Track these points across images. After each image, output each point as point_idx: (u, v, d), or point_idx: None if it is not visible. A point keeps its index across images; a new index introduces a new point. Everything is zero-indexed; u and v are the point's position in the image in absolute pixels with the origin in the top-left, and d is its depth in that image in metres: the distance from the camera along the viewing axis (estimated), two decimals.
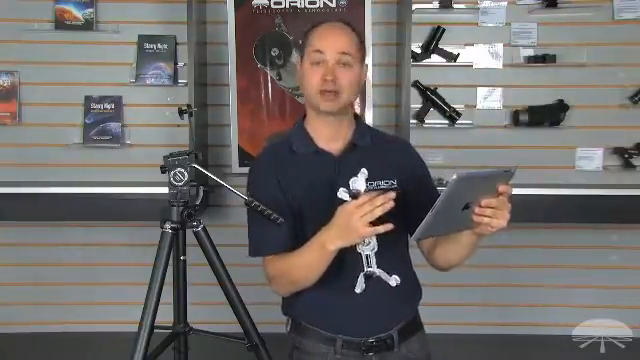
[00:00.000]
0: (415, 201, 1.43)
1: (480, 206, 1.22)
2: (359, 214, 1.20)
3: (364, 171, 1.27)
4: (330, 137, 1.47)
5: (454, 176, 1.13)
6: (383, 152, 1.50)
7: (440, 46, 3.07)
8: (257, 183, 1.51)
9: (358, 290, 1.37)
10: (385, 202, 1.20)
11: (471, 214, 1.23)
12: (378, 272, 1.37)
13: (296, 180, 1.44)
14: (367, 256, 1.33)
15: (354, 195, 1.24)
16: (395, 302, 1.47)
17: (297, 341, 1.50)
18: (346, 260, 1.39)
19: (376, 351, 1.44)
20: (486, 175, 1.21)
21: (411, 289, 1.53)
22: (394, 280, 1.37)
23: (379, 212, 1.20)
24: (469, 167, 2.34)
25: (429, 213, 1.17)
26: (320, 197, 1.39)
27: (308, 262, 1.34)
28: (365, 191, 1.26)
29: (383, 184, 1.43)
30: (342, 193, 1.27)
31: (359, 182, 1.26)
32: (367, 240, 1.34)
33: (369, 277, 1.36)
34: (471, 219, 1.23)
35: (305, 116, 1.52)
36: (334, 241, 1.27)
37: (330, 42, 1.41)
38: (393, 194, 1.21)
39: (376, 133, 1.57)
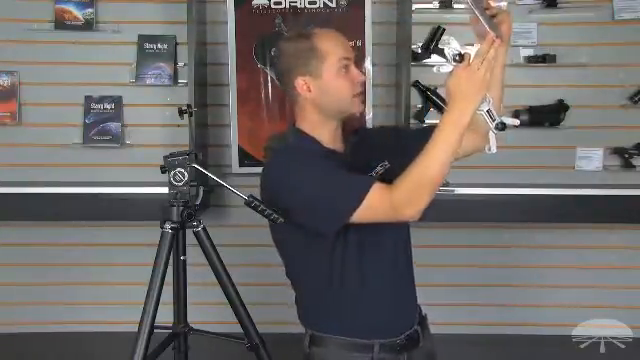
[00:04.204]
0: (412, 146, 1.42)
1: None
2: (476, 68, 1.20)
3: (448, 38, 1.26)
4: (334, 138, 1.49)
5: None
6: (370, 141, 1.56)
7: (440, 46, 3.07)
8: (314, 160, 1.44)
9: (494, 150, 1.28)
10: (489, 44, 1.20)
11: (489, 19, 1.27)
12: (507, 120, 1.25)
13: None
14: (488, 111, 1.23)
15: (459, 58, 1.21)
16: (411, 295, 1.53)
17: (323, 356, 1.46)
18: (374, 260, 1.42)
19: (408, 349, 1.46)
20: None
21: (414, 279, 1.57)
22: (516, 121, 1.29)
23: (493, 54, 1.20)
24: (469, 167, 2.33)
25: (477, 13, 1.21)
26: None
27: (447, 148, 1.25)
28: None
29: (379, 168, 1.49)
30: (446, 67, 1.25)
31: (454, 45, 1.25)
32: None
33: (501, 128, 1.24)
34: (494, 24, 1.27)
35: (294, 124, 1.51)
36: (467, 109, 1.22)
37: (347, 46, 1.45)
38: (490, 37, 1.21)
39: (355, 128, 1.62)
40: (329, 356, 1.45)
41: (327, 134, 1.48)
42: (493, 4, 1.32)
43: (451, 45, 1.26)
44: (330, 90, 1.43)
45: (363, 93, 1.45)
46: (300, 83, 1.44)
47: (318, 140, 1.47)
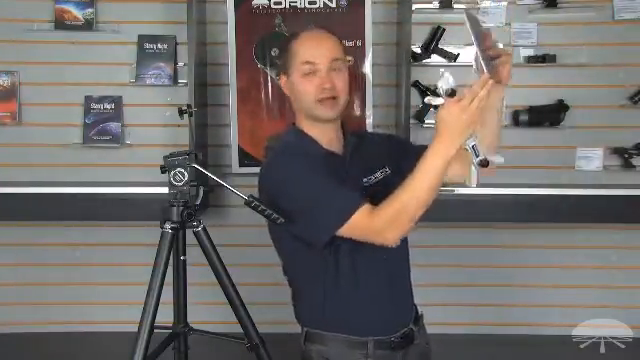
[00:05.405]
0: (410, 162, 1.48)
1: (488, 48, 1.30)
2: (467, 105, 1.21)
3: (443, 70, 1.26)
4: (331, 140, 1.50)
5: (464, 14, 1.29)
6: (370, 146, 1.56)
7: (440, 46, 3.07)
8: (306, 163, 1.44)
9: (474, 185, 1.32)
10: (483, 84, 1.22)
11: (489, 60, 1.30)
12: (491, 158, 1.27)
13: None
14: (473, 147, 1.25)
15: (451, 93, 1.23)
16: (406, 294, 1.54)
17: (322, 352, 1.47)
18: (368, 262, 1.42)
19: (402, 347, 1.47)
20: (475, 15, 1.34)
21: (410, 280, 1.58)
22: (501, 157, 1.31)
23: (484, 95, 1.22)
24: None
25: (478, 53, 1.24)
26: None
27: (432, 179, 1.27)
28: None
29: (379, 174, 1.50)
30: (434, 100, 1.25)
31: (449, 80, 1.24)
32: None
33: (484, 164, 1.25)
34: (492, 65, 1.29)
35: (294, 124, 1.52)
36: (453, 143, 1.24)
37: (320, 51, 1.43)
38: (484, 77, 1.23)
39: (356, 132, 1.62)
40: (325, 353, 1.47)
41: (322, 135, 1.48)
42: (498, 44, 1.34)
43: (445, 78, 1.25)
44: (295, 91, 1.46)
45: (332, 98, 1.42)
46: (283, 80, 1.49)
47: (316, 140, 1.48)
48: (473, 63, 1.29)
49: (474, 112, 1.22)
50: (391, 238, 1.32)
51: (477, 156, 1.24)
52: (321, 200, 1.36)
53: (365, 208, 1.33)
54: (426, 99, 1.24)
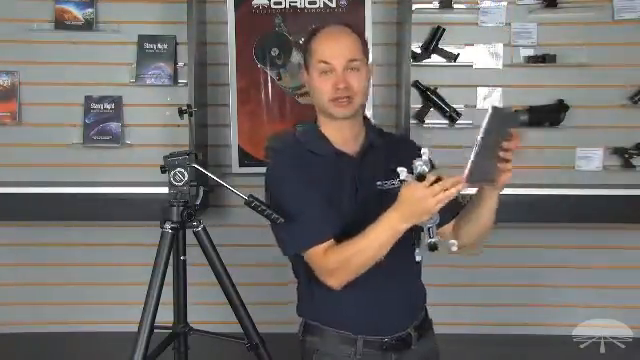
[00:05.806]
0: None
1: (503, 149, 1.24)
2: (431, 195, 1.19)
3: (426, 151, 1.23)
4: (346, 140, 1.49)
5: (490, 107, 1.17)
6: (393, 151, 1.52)
7: (440, 46, 3.07)
8: (293, 174, 1.46)
9: (418, 259, 1.33)
10: (455, 184, 1.19)
11: (495, 161, 1.26)
12: (444, 244, 1.30)
13: (320, 180, 1.44)
14: (429, 228, 1.26)
15: (420, 176, 1.21)
16: (411, 300, 1.54)
17: (316, 344, 1.50)
18: None
19: (396, 349, 1.47)
20: (508, 112, 1.26)
21: (422, 287, 1.60)
22: (455, 246, 1.30)
23: (453, 193, 1.19)
24: None
25: (473, 149, 1.18)
26: (344, 197, 1.43)
27: (378, 244, 1.30)
28: (419, 175, 1.22)
29: (397, 183, 1.44)
30: (405, 174, 1.23)
31: (423, 163, 1.22)
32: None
33: (432, 248, 1.27)
34: (495, 167, 1.26)
35: (316, 119, 1.53)
36: (406, 221, 1.26)
37: (336, 51, 1.42)
38: (460, 178, 1.19)
39: (384, 133, 1.62)
40: (318, 345, 1.49)
41: (337, 133, 1.48)
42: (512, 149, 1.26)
43: (423, 160, 1.24)
44: (312, 89, 1.46)
45: (347, 98, 1.41)
46: (304, 75, 1.50)
47: (330, 139, 1.48)
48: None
49: (434, 205, 1.20)
50: (331, 284, 1.38)
51: (430, 237, 1.26)
52: (296, 218, 1.40)
53: (327, 245, 1.37)
54: (398, 169, 1.23)
